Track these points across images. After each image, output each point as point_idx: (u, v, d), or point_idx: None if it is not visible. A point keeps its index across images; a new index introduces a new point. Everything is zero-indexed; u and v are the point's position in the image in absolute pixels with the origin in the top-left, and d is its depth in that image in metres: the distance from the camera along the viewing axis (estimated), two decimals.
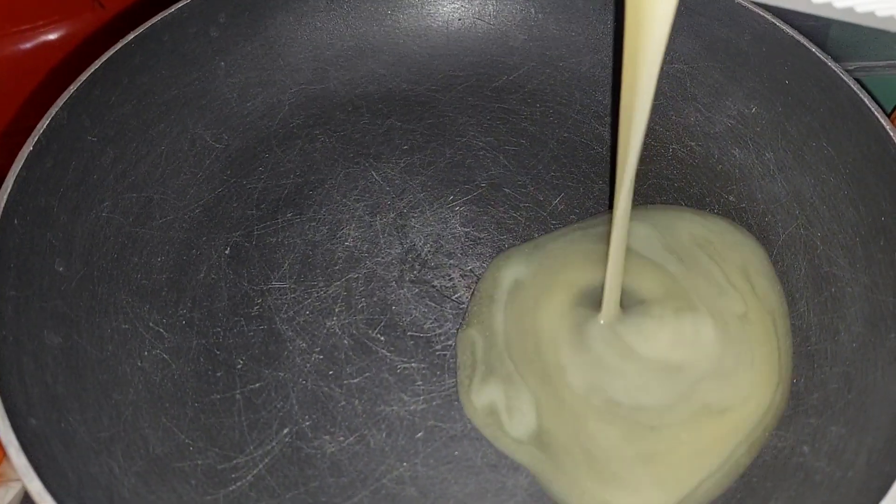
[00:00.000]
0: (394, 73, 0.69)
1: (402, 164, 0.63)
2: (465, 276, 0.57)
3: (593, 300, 0.54)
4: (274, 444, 0.50)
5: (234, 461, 0.50)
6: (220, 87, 0.65)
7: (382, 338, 0.54)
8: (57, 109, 0.54)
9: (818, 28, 0.69)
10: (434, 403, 0.52)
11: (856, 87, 0.53)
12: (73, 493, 0.42)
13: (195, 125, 0.63)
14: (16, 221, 0.51)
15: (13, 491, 0.56)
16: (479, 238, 0.59)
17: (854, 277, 0.53)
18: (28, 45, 0.69)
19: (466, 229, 0.60)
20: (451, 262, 0.58)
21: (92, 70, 0.57)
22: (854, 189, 0.54)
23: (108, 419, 0.50)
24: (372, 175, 0.62)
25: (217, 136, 0.64)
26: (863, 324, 0.51)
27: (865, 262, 0.53)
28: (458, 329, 0.54)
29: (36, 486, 0.39)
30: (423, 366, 0.53)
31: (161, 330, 0.55)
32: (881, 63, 0.73)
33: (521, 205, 0.60)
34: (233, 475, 0.49)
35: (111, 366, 0.52)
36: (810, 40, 0.56)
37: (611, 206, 0.56)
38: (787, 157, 0.59)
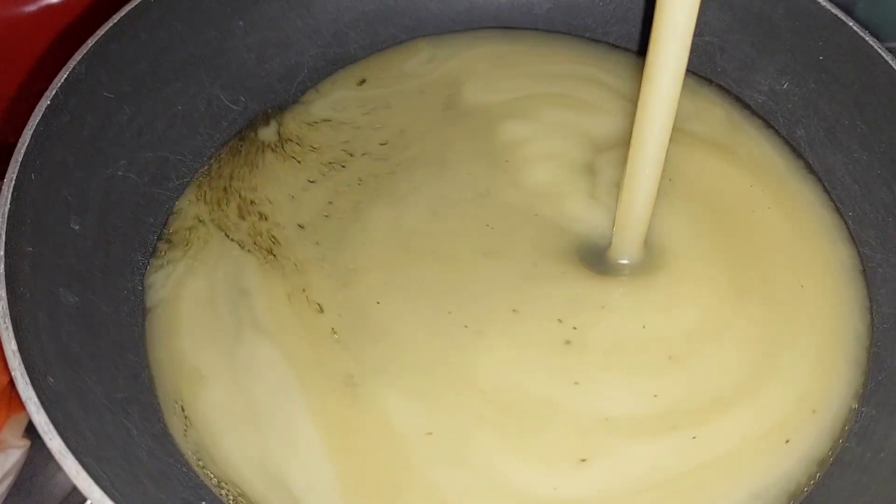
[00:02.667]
0: (414, 38, 0.67)
1: None
2: None
3: None
4: None
5: None
6: (238, 47, 0.63)
7: None
8: (74, 63, 0.53)
9: (843, 6, 0.68)
10: None
11: (894, 62, 0.52)
12: (92, 453, 0.41)
13: (212, 85, 0.62)
14: (33, 176, 0.49)
15: (13, 458, 0.56)
16: None
17: (885, 258, 0.52)
18: (31, 8, 0.67)
19: None
20: None
21: (110, 24, 0.55)
22: (888, 169, 0.53)
23: (124, 380, 0.49)
24: None
25: (234, 97, 0.63)
26: (893, 305, 0.50)
27: None
28: None
29: (56, 444, 0.38)
30: None
31: None
32: None
33: None
34: None
35: (127, 326, 0.51)
36: None
37: None
38: (818, 134, 0.58)
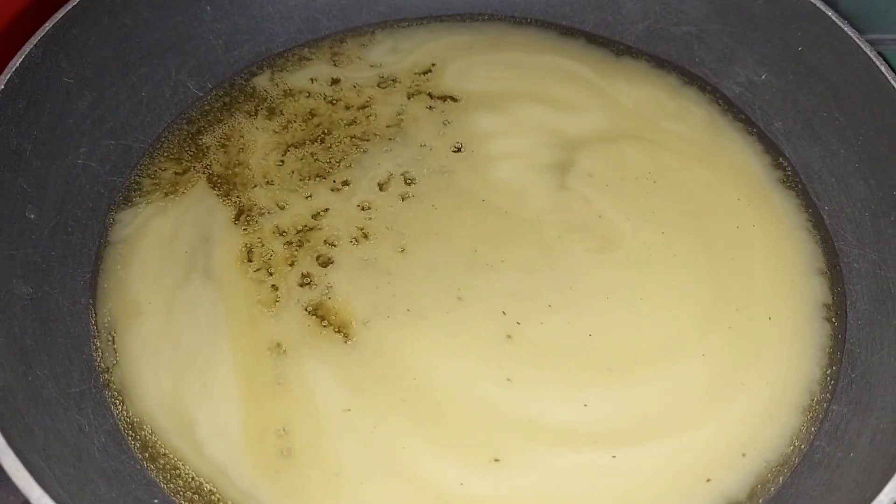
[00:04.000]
0: (382, 27, 0.66)
1: None
2: None
3: None
4: None
5: None
6: (206, 33, 0.62)
7: None
8: (31, 47, 0.51)
9: None
10: None
11: (873, 55, 0.51)
12: (38, 450, 0.40)
13: (178, 72, 0.60)
14: None
15: None
16: None
17: (861, 253, 0.51)
18: None
19: None
20: None
21: (70, 7, 0.53)
22: (865, 162, 0.52)
23: (79, 374, 0.48)
24: None
25: (201, 85, 0.61)
26: (869, 301, 0.49)
27: (874, 238, 0.51)
28: None
29: None
30: None
31: None
32: (891, 36, 0.71)
33: None
34: None
35: (84, 319, 0.50)
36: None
37: None
38: (795, 127, 0.57)
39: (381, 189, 0.55)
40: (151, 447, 0.45)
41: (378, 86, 0.61)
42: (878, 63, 0.51)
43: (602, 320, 0.49)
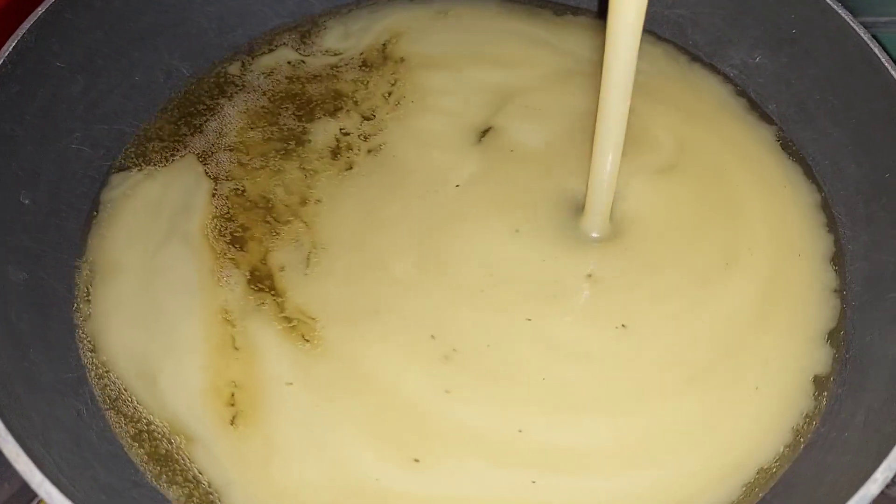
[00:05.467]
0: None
1: None
2: None
3: None
4: None
5: None
6: (198, 17, 0.61)
7: None
8: (24, 32, 0.51)
9: None
10: None
11: (867, 37, 0.51)
12: (38, 435, 0.40)
13: (171, 56, 0.60)
14: None
15: None
16: None
17: (854, 235, 0.52)
18: None
19: None
20: None
21: None
22: (858, 145, 0.53)
23: (76, 360, 0.48)
24: None
25: (194, 68, 0.61)
26: (861, 283, 0.50)
27: (866, 221, 0.51)
28: None
29: None
30: None
31: None
32: (882, 19, 0.70)
33: None
34: None
35: (80, 303, 0.50)
36: None
37: None
38: (790, 110, 0.57)
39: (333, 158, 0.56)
40: (117, 398, 0.47)
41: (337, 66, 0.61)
42: (871, 46, 0.51)
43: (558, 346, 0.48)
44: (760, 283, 0.50)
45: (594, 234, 0.51)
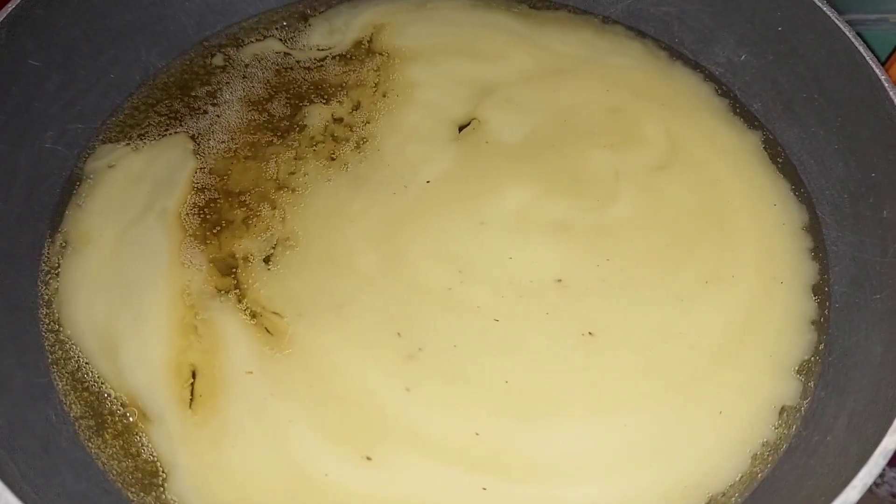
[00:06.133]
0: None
1: None
2: None
3: None
4: None
5: None
6: (177, 14, 0.61)
7: None
8: None
9: None
10: None
11: (852, 35, 0.51)
12: (5, 443, 0.39)
13: (149, 53, 0.59)
14: None
15: None
16: None
17: (840, 236, 0.51)
18: None
19: None
20: None
21: None
22: (844, 143, 0.52)
23: (46, 364, 0.47)
24: None
25: (172, 66, 0.60)
26: (847, 283, 0.49)
27: (853, 220, 0.50)
28: None
29: None
30: None
31: None
32: (871, 16, 0.70)
33: None
34: None
35: (53, 307, 0.49)
36: None
37: None
38: (775, 108, 0.56)
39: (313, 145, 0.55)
40: (77, 370, 0.46)
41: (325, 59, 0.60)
42: (857, 44, 0.50)
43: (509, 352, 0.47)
44: (739, 306, 0.49)
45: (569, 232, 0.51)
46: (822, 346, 0.48)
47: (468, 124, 0.56)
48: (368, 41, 0.61)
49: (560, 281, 0.49)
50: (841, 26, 0.51)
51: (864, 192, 0.50)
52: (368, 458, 0.43)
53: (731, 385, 0.46)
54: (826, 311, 0.49)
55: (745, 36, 0.58)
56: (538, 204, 0.52)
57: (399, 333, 0.47)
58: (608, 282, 0.49)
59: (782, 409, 0.46)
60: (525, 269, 0.49)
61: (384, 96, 0.57)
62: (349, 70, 0.59)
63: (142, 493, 0.43)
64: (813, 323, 0.49)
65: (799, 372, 0.47)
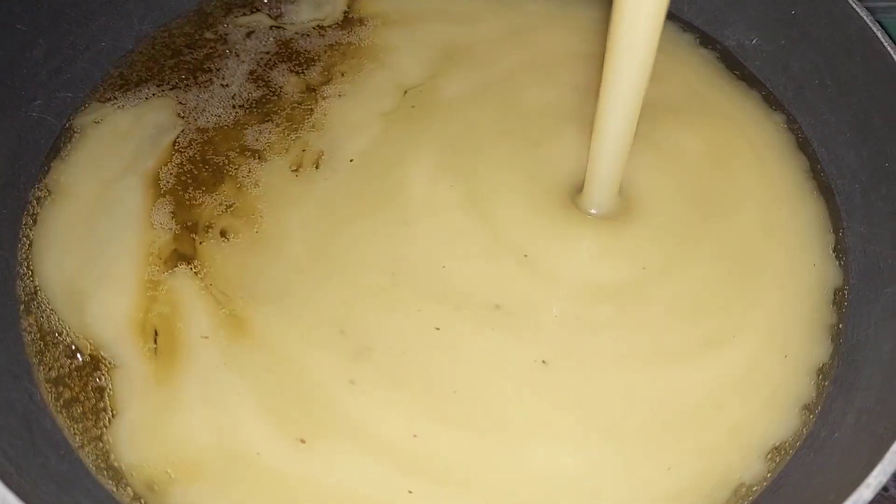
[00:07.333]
0: None
1: None
2: None
3: None
4: None
5: None
6: None
7: None
8: None
9: None
10: None
11: (870, 20, 0.49)
12: None
13: (141, 21, 0.57)
14: None
15: None
16: None
17: (850, 227, 0.50)
18: None
19: None
20: None
21: None
22: (857, 132, 0.50)
23: (31, 341, 0.45)
24: None
25: (165, 34, 0.58)
26: (857, 277, 0.48)
27: (864, 212, 0.49)
28: None
29: None
30: None
31: None
32: (889, 3, 0.68)
33: None
34: None
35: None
36: None
37: None
38: (786, 94, 0.55)
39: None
40: (44, 320, 0.46)
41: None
42: (874, 30, 0.49)
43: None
44: (733, 371, 0.45)
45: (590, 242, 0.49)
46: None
47: (411, 89, 0.55)
48: (348, 8, 0.59)
49: (498, 307, 0.47)
50: (858, 11, 0.50)
51: (877, 183, 0.49)
52: (302, 441, 0.42)
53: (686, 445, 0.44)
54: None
55: (756, 19, 0.56)
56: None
57: (342, 331, 0.46)
58: (564, 307, 0.47)
59: (773, 447, 0.44)
60: (463, 283, 0.47)
61: (353, 63, 0.56)
62: (331, 39, 0.58)
63: (84, 436, 0.43)
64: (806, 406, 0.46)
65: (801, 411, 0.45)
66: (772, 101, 0.55)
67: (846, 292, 0.48)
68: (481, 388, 0.44)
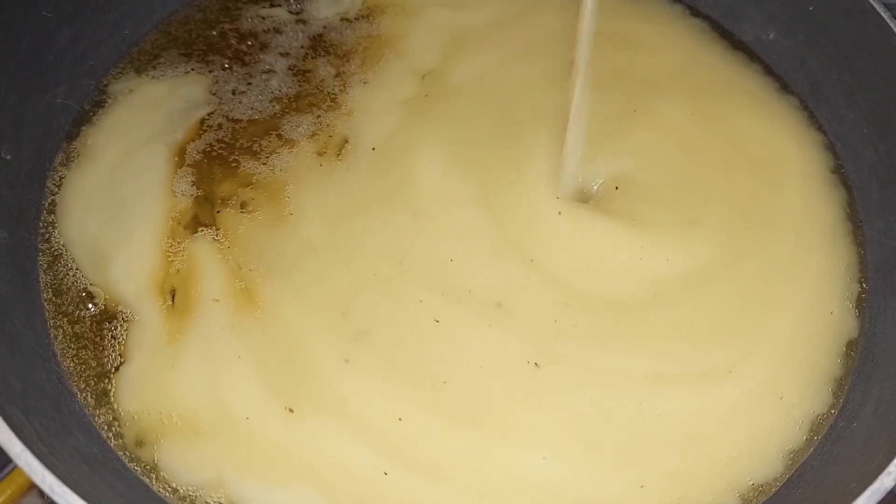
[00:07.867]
0: None
1: None
2: None
3: None
4: None
5: None
6: None
7: None
8: None
9: None
10: None
11: (887, 16, 0.50)
12: (17, 401, 0.38)
13: (163, 8, 0.57)
14: None
15: None
16: None
17: (868, 222, 0.50)
18: None
19: None
20: None
21: None
22: (874, 127, 0.51)
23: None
24: None
25: (187, 22, 0.58)
26: (874, 269, 0.49)
27: (881, 206, 0.50)
28: None
29: None
30: None
31: None
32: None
33: None
34: None
35: (62, 264, 0.48)
36: None
37: None
38: (803, 90, 0.55)
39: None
40: (62, 278, 0.48)
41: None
42: (892, 25, 0.49)
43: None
44: (723, 405, 0.45)
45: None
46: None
47: (428, 74, 0.56)
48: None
49: (499, 305, 0.47)
50: (876, 7, 0.50)
51: (893, 177, 0.49)
52: (291, 411, 0.44)
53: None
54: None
55: (774, 13, 0.57)
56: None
57: (344, 314, 0.46)
58: (564, 313, 0.47)
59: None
60: (467, 278, 0.48)
61: (374, 52, 0.57)
62: (356, 30, 0.58)
63: (94, 381, 0.44)
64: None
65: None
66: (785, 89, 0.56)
67: (859, 344, 0.47)
68: (471, 382, 0.45)
